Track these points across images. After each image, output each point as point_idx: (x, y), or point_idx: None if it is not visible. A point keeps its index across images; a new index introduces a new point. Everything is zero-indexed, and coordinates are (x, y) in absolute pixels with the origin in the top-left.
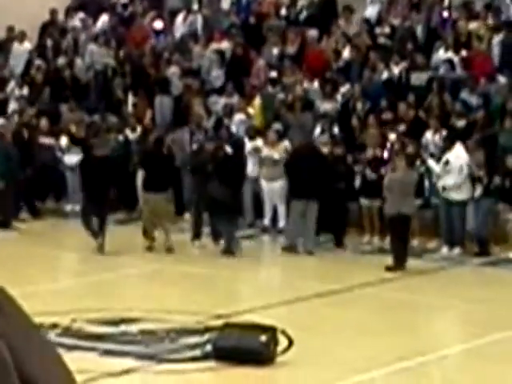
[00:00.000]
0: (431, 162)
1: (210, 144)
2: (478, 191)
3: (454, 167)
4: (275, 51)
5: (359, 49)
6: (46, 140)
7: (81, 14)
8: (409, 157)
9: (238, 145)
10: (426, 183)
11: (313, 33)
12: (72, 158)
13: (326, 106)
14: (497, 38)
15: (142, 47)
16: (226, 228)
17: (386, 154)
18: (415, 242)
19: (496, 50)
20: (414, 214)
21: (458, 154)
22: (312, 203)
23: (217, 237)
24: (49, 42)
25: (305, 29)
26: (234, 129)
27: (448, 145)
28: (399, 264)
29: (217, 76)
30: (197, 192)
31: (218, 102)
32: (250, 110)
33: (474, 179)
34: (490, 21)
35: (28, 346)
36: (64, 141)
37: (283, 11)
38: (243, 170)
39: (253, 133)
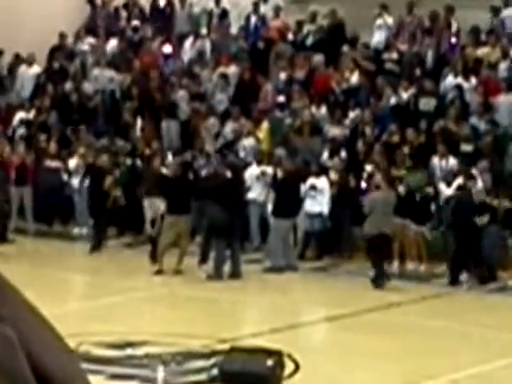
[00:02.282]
0: (442, 186)
1: (220, 169)
2: (487, 217)
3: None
4: (283, 76)
5: (367, 74)
6: (53, 163)
7: (90, 38)
8: (389, 176)
9: (237, 169)
10: (433, 208)
11: (321, 58)
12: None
13: (334, 131)
14: (503, 64)
15: (150, 71)
16: (220, 251)
17: (363, 184)
18: (422, 267)
19: (503, 75)
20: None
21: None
22: (294, 221)
23: (203, 260)
24: (57, 66)
25: (313, 54)
26: (242, 153)
27: (464, 169)
28: (379, 283)
29: (220, 100)
30: (208, 217)
31: (224, 127)
32: (259, 135)
33: (483, 205)
34: (497, 46)
35: (38, 335)
36: (73, 163)
37: (290, 36)
38: (242, 194)
39: (260, 157)
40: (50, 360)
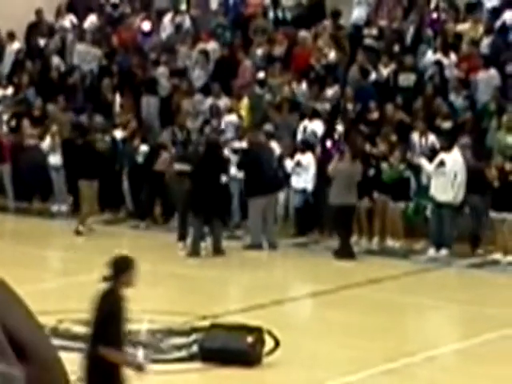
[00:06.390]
0: (423, 161)
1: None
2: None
3: (449, 171)
4: (262, 52)
5: (346, 50)
6: (31, 141)
7: (69, 15)
8: (355, 149)
9: (213, 145)
10: (413, 185)
11: (300, 34)
12: (56, 159)
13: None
14: (486, 41)
15: (129, 47)
16: (196, 228)
17: (328, 144)
18: (402, 243)
19: (484, 52)
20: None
21: (455, 159)
22: (274, 198)
23: (182, 237)
24: (36, 43)
25: (292, 30)
26: (224, 130)
27: (447, 146)
28: (348, 253)
29: (199, 76)
30: (185, 194)
31: (204, 103)
32: (241, 112)
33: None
34: (478, 22)
35: (12, 311)
36: (47, 141)
37: (269, 12)
38: (221, 170)
39: (241, 133)
40: (24, 332)
